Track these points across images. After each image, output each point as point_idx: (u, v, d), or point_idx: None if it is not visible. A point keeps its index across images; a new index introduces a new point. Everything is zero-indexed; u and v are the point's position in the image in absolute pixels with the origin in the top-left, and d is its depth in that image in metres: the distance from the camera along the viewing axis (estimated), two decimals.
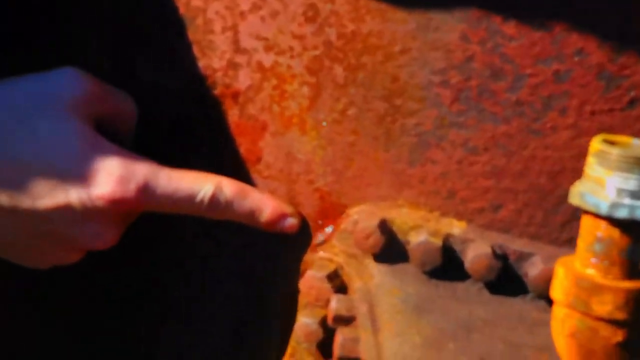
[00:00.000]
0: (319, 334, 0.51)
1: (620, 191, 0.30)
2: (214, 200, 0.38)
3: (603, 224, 0.31)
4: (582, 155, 0.44)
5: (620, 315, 0.31)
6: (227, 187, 0.39)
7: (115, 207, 0.35)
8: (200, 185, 0.38)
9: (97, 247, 0.37)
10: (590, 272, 0.32)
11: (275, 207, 0.41)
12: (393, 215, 0.49)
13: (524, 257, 0.48)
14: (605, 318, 0.31)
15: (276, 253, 0.52)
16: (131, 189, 0.35)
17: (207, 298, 0.55)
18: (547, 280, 0.45)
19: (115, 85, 0.48)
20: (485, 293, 0.48)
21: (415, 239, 0.47)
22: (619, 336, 0.31)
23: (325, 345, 0.51)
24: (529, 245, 0.49)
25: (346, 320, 0.45)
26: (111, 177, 0.35)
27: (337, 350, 0.44)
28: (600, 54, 0.44)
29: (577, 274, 0.33)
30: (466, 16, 0.44)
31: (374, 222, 0.47)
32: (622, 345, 0.31)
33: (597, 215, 0.31)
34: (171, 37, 0.48)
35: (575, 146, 0.45)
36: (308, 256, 0.52)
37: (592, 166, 0.32)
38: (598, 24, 0.43)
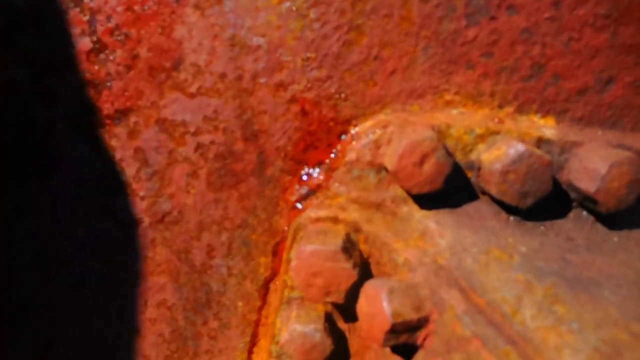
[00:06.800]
0: (327, 346, 0.29)
1: None
2: None
3: None
4: None
5: None
6: None
7: None
8: None
9: None
10: None
11: None
12: (442, 122, 0.27)
13: None
14: None
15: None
16: None
17: None
18: None
19: None
20: (602, 228, 0.29)
21: (499, 156, 0.26)
22: None
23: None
24: None
25: (415, 328, 0.23)
26: None
27: None
28: None
29: None
30: None
31: (427, 133, 0.25)
32: None
33: None
34: None
35: None
36: (279, 220, 0.29)
37: None
38: None
